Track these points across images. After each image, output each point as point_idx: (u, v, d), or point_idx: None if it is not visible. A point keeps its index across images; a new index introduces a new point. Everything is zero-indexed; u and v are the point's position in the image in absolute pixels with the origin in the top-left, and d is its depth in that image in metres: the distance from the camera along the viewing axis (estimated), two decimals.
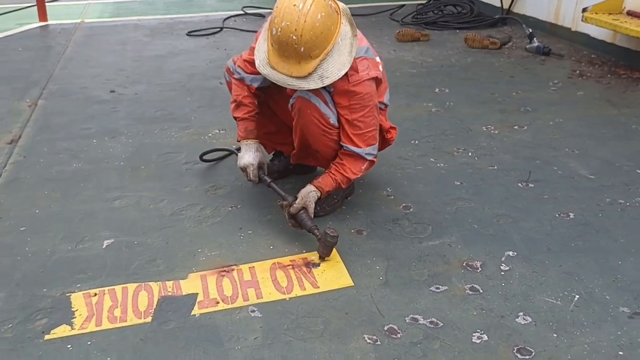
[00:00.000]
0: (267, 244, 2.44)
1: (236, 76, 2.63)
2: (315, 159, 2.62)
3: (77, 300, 2.11)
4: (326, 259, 2.32)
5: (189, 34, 6.04)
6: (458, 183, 2.93)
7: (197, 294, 2.15)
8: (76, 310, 2.06)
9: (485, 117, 3.80)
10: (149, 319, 2.02)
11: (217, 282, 2.21)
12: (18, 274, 2.25)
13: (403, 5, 6.95)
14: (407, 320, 2.01)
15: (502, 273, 2.25)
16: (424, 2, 6.77)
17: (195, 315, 2.05)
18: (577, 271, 2.26)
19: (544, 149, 3.32)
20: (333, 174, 2.45)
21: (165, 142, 3.47)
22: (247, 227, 2.56)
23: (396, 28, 6.01)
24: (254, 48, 2.44)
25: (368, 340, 1.92)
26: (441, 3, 6.50)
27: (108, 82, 4.55)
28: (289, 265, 2.30)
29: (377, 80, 2.45)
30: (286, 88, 2.45)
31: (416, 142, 3.41)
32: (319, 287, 2.18)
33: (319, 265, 2.29)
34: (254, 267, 2.30)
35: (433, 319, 2.01)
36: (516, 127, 3.64)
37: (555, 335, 1.94)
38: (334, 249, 2.36)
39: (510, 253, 2.37)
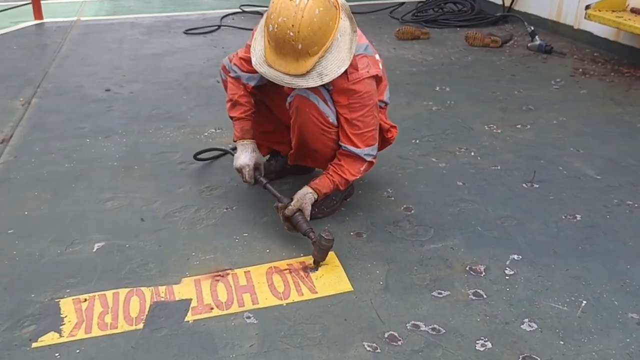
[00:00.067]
0: (263, 247, 2.37)
1: (232, 75, 2.55)
2: (313, 160, 2.54)
3: (67, 306, 2.03)
4: (325, 263, 2.24)
5: (186, 32, 5.96)
6: (460, 183, 2.86)
7: (190, 299, 2.07)
8: (65, 316, 1.99)
9: (487, 115, 3.73)
10: (141, 326, 1.95)
11: (211, 287, 2.13)
12: (5, 279, 2.17)
13: (403, 3, 6.88)
14: (408, 327, 1.93)
15: (507, 277, 2.17)
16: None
17: (188, 321, 1.97)
18: (585, 275, 2.18)
19: (547, 148, 3.25)
20: (331, 175, 2.37)
21: (160, 141, 3.39)
22: (242, 230, 2.48)
23: (396, 26, 5.93)
24: (250, 45, 2.37)
25: (368, 348, 1.85)
26: (441, 1, 6.42)
27: (104, 81, 4.47)
28: (285, 270, 2.23)
29: (377, 79, 2.38)
30: (283, 86, 2.38)
31: (417, 141, 3.34)
32: (316, 292, 2.10)
33: (316, 270, 2.22)
34: (249, 271, 2.22)
35: (435, 326, 1.94)
36: (519, 126, 3.57)
37: (562, 342, 1.87)
38: (333, 252, 2.29)
39: (515, 256, 2.29)
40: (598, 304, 2.03)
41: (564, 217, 2.57)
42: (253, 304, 2.05)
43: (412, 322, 1.96)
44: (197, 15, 6.74)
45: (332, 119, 2.31)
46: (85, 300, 2.06)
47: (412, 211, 2.62)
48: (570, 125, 3.58)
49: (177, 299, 2.07)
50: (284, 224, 2.33)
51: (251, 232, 2.47)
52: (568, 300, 2.05)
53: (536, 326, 1.93)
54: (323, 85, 2.25)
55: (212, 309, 2.03)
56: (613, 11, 4.59)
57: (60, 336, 1.90)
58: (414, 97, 4.05)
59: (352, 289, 2.12)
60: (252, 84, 2.52)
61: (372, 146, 2.37)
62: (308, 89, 2.25)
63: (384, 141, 2.57)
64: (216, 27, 6.09)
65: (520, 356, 1.81)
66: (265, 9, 2.23)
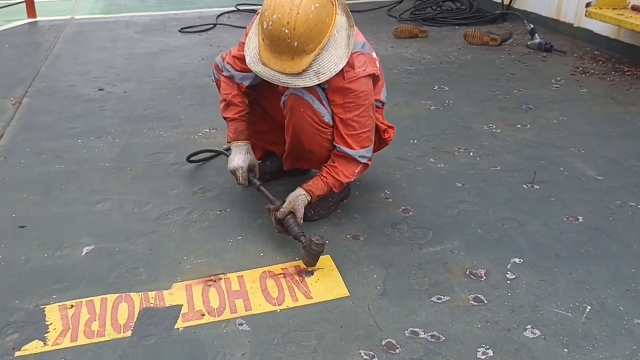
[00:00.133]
0: (257, 250, 2.30)
1: (225, 74, 2.48)
2: (308, 162, 2.47)
3: (52, 312, 1.96)
4: (320, 267, 2.17)
5: (182, 30, 5.89)
6: (459, 184, 2.79)
7: (181, 305, 2.00)
8: (50, 323, 1.91)
9: (486, 115, 3.66)
10: (129, 333, 1.87)
11: (203, 293, 2.06)
12: None
13: (401, 1, 6.80)
14: (406, 334, 1.87)
15: (508, 282, 2.11)
16: None
17: (178, 328, 1.90)
18: (588, 280, 2.12)
19: (548, 149, 3.18)
20: (324, 177, 2.30)
21: (153, 141, 3.32)
22: (236, 233, 2.41)
23: (394, 24, 5.86)
24: (243, 43, 2.30)
25: (364, 356, 1.78)
26: None
27: (97, 80, 4.40)
28: (280, 274, 2.16)
29: (374, 77, 2.31)
30: (278, 85, 2.31)
31: (415, 141, 3.27)
32: (312, 298, 2.04)
33: (312, 274, 2.15)
34: (242, 276, 2.15)
35: (434, 333, 1.87)
36: (518, 125, 3.50)
37: (566, 350, 1.80)
38: (329, 256, 2.23)
39: (517, 260, 2.22)
40: (603, 310, 1.97)
41: (565, 219, 2.50)
42: (246, 310, 1.98)
43: (411, 328, 1.89)
44: (193, 14, 6.67)
45: (327, 118, 2.25)
46: (72, 306, 1.99)
47: (410, 213, 2.55)
48: (571, 124, 3.52)
49: (167, 305, 2.00)
50: (276, 226, 2.26)
51: (245, 235, 2.40)
52: (572, 306, 1.99)
53: (539, 333, 1.87)
54: (318, 84, 2.18)
55: (203, 315, 1.96)
56: (614, 9, 4.53)
57: (45, 344, 1.82)
58: (412, 97, 3.99)
59: (349, 294, 2.05)
60: (246, 83, 2.45)
61: (367, 148, 2.30)
62: (303, 87, 2.18)
63: (380, 142, 2.50)
64: (212, 26, 6.02)
65: None
66: (260, 6, 2.15)
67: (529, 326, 1.89)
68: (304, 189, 2.27)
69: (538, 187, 2.77)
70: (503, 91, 4.09)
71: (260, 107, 2.61)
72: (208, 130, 3.44)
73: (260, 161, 2.78)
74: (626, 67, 4.54)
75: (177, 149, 3.19)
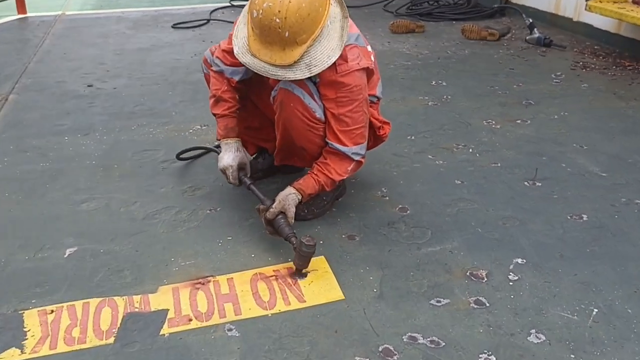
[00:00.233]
0: (248, 251, 2.20)
1: (215, 68, 2.38)
2: (301, 159, 2.37)
3: (31, 318, 1.86)
4: (314, 268, 2.07)
5: (174, 26, 5.79)
6: (459, 182, 2.70)
7: (167, 310, 1.90)
8: (29, 330, 1.81)
9: (485, 110, 3.57)
10: (111, 340, 1.77)
11: (190, 296, 1.96)
12: None
13: None
14: (404, 340, 1.77)
15: (511, 283, 2.01)
16: None
17: (164, 335, 1.80)
18: (594, 281, 2.03)
19: (549, 145, 3.09)
20: (316, 174, 2.20)
21: (142, 139, 3.21)
22: (226, 233, 2.31)
23: (390, 19, 5.77)
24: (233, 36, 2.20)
25: None
26: None
27: (86, 76, 4.29)
28: (272, 276, 2.06)
29: (368, 71, 2.21)
30: (269, 79, 2.21)
31: (412, 137, 3.17)
32: (305, 302, 1.94)
33: (305, 276, 2.05)
34: (232, 278, 2.05)
35: (434, 338, 1.78)
36: (518, 121, 3.41)
37: (572, 356, 1.71)
38: (323, 257, 2.14)
39: (519, 260, 2.13)
40: (610, 312, 1.88)
41: (569, 217, 2.41)
42: (235, 315, 1.88)
43: (409, 333, 1.79)
44: (187, 10, 6.56)
45: (318, 114, 2.15)
46: (52, 311, 1.89)
47: (408, 212, 2.45)
48: (572, 120, 3.43)
49: (152, 309, 1.90)
50: (266, 227, 2.16)
51: (236, 235, 2.30)
52: (578, 309, 1.89)
53: (544, 338, 1.77)
54: (309, 78, 2.08)
55: (190, 320, 1.86)
56: (615, 2, 4.44)
57: (22, 352, 1.72)
58: (409, 92, 3.89)
59: (344, 297, 1.95)
60: (236, 78, 2.35)
61: (361, 144, 2.20)
62: (293, 81, 2.08)
63: (375, 139, 2.41)
64: (205, 21, 5.92)
65: None
66: None
67: (533, 330, 1.80)
68: (295, 188, 2.17)
69: (540, 184, 2.68)
70: (502, 86, 3.99)
71: (252, 102, 2.51)
72: (199, 127, 3.34)
73: (252, 157, 2.68)
74: (627, 61, 4.45)
75: (167, 146, 3.09)
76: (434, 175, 2.77)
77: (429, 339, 1.77)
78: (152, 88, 4.04)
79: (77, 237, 2.28)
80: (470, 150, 3.02)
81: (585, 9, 4.58)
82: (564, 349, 1.74)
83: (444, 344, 1.75)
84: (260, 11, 1.95)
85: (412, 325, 1.83)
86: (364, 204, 2.51)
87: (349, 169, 2.22)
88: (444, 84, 4.06)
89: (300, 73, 2.02)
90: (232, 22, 6.10)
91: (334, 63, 2.05)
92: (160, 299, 1.95)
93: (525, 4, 5.85)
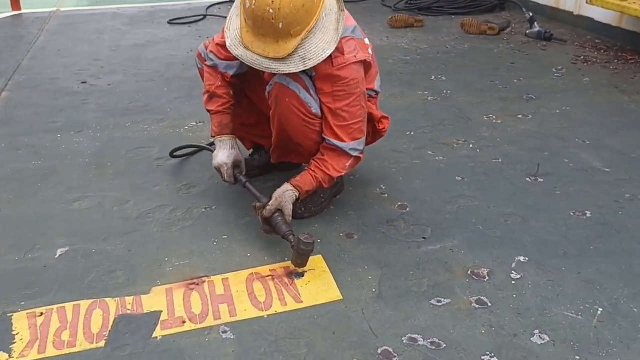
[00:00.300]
0: (244, 251, 2.15)
1: (208, 63, 2.32)
2: (298, 155, 2.31)
3: (20, 321, 1.80)
4: (311, 268, 2.02)
5: (171, 22, 5.72)
6: (459, 178, 2.64)
7: (160, 311, 1.85)
8: (17, 333, 1.76)
9: (486, 105, 3.51)
10: (102, 344, 1.72)
11: (184, 297, 1.91)
12: None
13: None
14: (404, 341, 1.72)
15: (513, 282, 1.96)
16: None
17: (157, 337, 1.75)
18: (599, 279, 1.97)
19: (551, 140, 3.03)
20: (313, 171, 2.15)
21: (136, 136, 3.16)
22: (222, 232, 2.26)
23: (388, 14, 5.70)
24: None
25: None
26: None
27: (80, 73, 4.23)
28: (268, 276, 2.00)
29: (366, 64, 2.15)
30: (264, 73, 2.16)
31: (412, 133, 3.12)
32: (302, 302, 1.88)
33: (302, 276, 2.00)
34: (227, 278, 2.00)
35: (434, 339, 1.72)
36: (520, 116, 3.35)
37: (577, 357, 1.66)
38: (321, 256, 2.09)
39: (522, 258, 2.08)
40: (615, 312, 1.82)
41: (572, 214, 2.36)
42: (230, 316, 1.83)
43: (409, 335, 1.74)
44: (183, 5, 6.49)
45: (315, 109, 2.09)
46: (42, 314, 1.83)
47: (408, 209, 2.40)
48: (574, 114, 3.37)
49: (145, 311, 1.85)
50: (263, 226, 2.11)
51: (231, 234, 2.25)
52: (582, 308, 1.84)
53: (548, 338, 1.72)
54: (305, 71, 2.02)
55: (184, 322, 1.80)
56: None
57: (10, 357, 1.67)
58: (408, 87, 3.83)
59: (342, 298, 1.90)
60: (230, 72, 2.29)
61: (359, 140, 2.14)
62: (288, 75, 2.02)
63: (375, 133, 2.35)
64: (202, 17, 5.85)
65: None
66: None
67: (536, 331, 1.75)
68: (292, 185, 2.12)
69: (542, 180, 2.62)
70: (503, 81, 3.93)
71: (247, 98, 2.45)
72: (195, 124, 3.28)
73: (248, 154, 2.63)
74: (629, 55, 4.39)
75: (162, 143, 3.03)
76: (434, 171, 2.71)
77: (429, 341, 1.72)
78: (147, 84, 3.98)
79: (68, 237, 2.23)
80: (471, 145, 2.97)
81: (587, 2, 4.50)
82: (569, 350, 1.68)
83: (445, 345, 1.70)
84: (254, 1, 1.89)
85: (412, 326, 1.77)
86: (363, 201, 2.45)
87: (347, 165, 2.16)
88: (444, 78, 4.00)
89: (295, 66, 1.96)
90: None
91: (330, 56, 2.00)
92: (153, 301, 1.89)
93: None
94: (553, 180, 2.61)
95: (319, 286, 1.95)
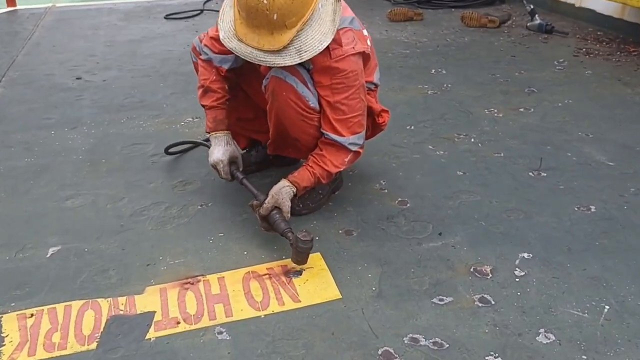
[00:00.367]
0: (240, 248, 2.09)
1: (203, 57, 2.26)
2: (295, 150, 2.25)
3: (9, 322, 1.75)
4: (310, 266, 1.97)
5: (167, 17, 5.65)
6: (460, 173, 2.59)
7: (154, 312, 1.79)
8: (6, 335, 1.71)
9: (487, 99, 3.45)
10: (94, 346, 1.67)
11: (179, 297, 1.85)
12: None
13: None
14: (405, 341, 1.67)
15: (517, 280, 1.91)
16: None
17: (150, 339, 1.69)
18: (605, 276, 1.92)
19: (554, 133, 2.98)
20: (311, 166, 2.09)
21: (132, 132, 3.10)
22: (218, 229, 2.21)
23: (387, 7, 5.63)
24: None
25: None
26: None
27: (75, 69, 4.17)
28: (265, 275, 1.95)
29: (365, 56, 2.09)
30: (260, 66, 2.10)
31: (412, 127, 3.06)
32: (300, 301, 1.83)
33: (300, 275, 1.94)
34: (223, 277, 1.94)
35: (437, 339, 1.67)
36: (522, 109, 3.29)
37: (584, 357, 1.61)
38: (319, 254, 2.04)
39: (525, 255, 2.02)
40: (623, 309, 1.77)
41: (576, 209, 2.30)
42: (226, 317, 1.77)
43: (410, 335, 1.69)
44: (179, 0, 6.40)
45: (313, 103, 2.03)
46: (32, 315, 1.78)
47: (408, 205, 2.34)
48: (577, 108, 3.31)
49: (138, 311, 1.80)
50: (261, 224, 2.05)
51: (228, 231, 2.20)
52: (588, 306, 1.79)
53: (554, 338, 1.67)
54: (302, 64, 1.97)
55: (178, 323, 1.75)
56: None
57: None
58: (408, 81, 3.77)
59: (341, 297, 1.85)
60: (225, 66, 2.23)
61: (359, 134, 2.09)
62: (285, 69, 1.97)
63: (374, 127, 2.30)
64: (198, 12, 5.78)
65: None
66: None
67: (542, 330, 1.70)
68: (289, 181, 2.06)
69: (545, 174, 2.57)
70: (504, 74, 3.88)
71: (243, 92, 2.39)
72: (191, 119, 3.23)
73: (244, 151, 2.57)
74: (632, 47, 4.33)
75: (157, 139, 2.97)
76: (434, 166, 2.66)
77: (431, 341, 1.67)
78: (142, 80, 3.91)
79: (61, 236, 2.18)
80: (472, 140, 2.91)
81: None
82: (575, 349, 1.63)
83: (447, 345, 1.65)
84: None
85: (413, 326, 1.72)
86: (362, 197, 2.40)
87: (346, 160, 2.11)
88: (444, 72, 3.94)
89: (290, 59, 1.90)
90: None
91: (328, 48, 1.94)
92: (146, 301, 1.84)
93: None
94: (556, 175, 2.56)
95: (317, 285, 1.90)
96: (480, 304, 1.80)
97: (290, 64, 1.89)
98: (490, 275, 1.93)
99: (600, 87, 3.64)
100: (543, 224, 2.21)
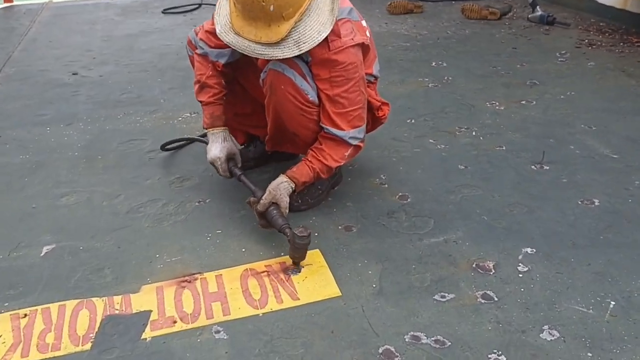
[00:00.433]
0: (238, 245, 2.06)
1: (199, 51, 2.22)
2: (294, 145, 2.21)
3: (3, 323, 1.72)
4: (309, 262, 1.93)
5: (165, 11, 5.62)
6: (462, 167, 2.54)
7: (150, 311, 1.76)
8: (0, 335, 1.67)
9: (489, 91, 3.41)
10: (88, 346, 1.63)
11: (175, 296, 1.82)
12: None
13: None
14: (406, 340, 1.63)
15: (520, 275, 1.87)
16: None
17: (146, 339, 1.66)
18: (610, 271, 1.88)
19: (557, 126, 2.93)
20: (310, 161, 2.05)
21: (128, 128, 3.06)
22: (216, 226, 2.17)
23: (387, 0, 5.57)
24: None
25: None
26: None
27: (72, 64, 4.13)
28: (263, 272, 1.91)
29: (364, 47, 2.05)
30: (257, 60, 2.06)
31: (412, 121, 3.01)
32: (299, 299, 1.79)
33: (299, 272, 1.91)
34: (221, 275, 1.91)
35: (438, 337, 1.63)
36: (523, 101, 3.25)
37: (589, 354, 1.57)
38: (319, 250, 2.00)
39: (529, 250, 1.98)
40: (629, 305, 1.73)
41: (580, 203, 2.26)
42: (224, 315, 1.74)
43: (411, 333, 1.65)
44: None
45: (312, 96, 1.99)
46: (26, 315, 1.74)
47: (409, 200, 2.30)
48: (580, 100, 3.27)
49: (134, 311, 1.76)
50: (259, 221, 2.01)
51: (225, 228, 2.16)
52: (593, 302, 1.75)
53: (558, 334, 1.63)
54: (300, 57, 1.92)
55: (175, 322, 1.71)
56: None
57: None
58: (408, 74, 3.73)
59: (340, 294, 1.81)
60: (222, 61, 2.18)
61: (359, 128, 2.04)
62: (283, 62, 1.92)
63: (374, 120, 2.25)
64: (197, 6, 5.74)
65: None
66: None
67: (546, 327, 1.66)
68: (287, 176, 2.02)
69: (548, 168, 2.52)
70: (505, 66, 3.83)
71: (240, 86, 2.35)
72: (189, 115, 3.19)
73: (242, 146, 2.53)
74: (635, 38, 4.28)
75: (154, 135, 2.93)
76: (435, 160, 2.61)
77: (433, 339, 1.63)
78: (140, 75, 3.88)
79: (55, 234, 2.14)
80: (474, 133, 2.87)
81: None
82: (580, 346, 1.60)
83: (449, 343, 1.61)
84: None
85: (414, 324, 1.68)
86: (362, 192, 2.36)
87: (346, 154, 2.06)
88: (445, 65, 3.89)
89: (289, 51, 1.86)
90: None
91: (326, 39, 1.89)
92: (142, 300, 1.80)
93: None
94: (559, 168, 2.51)
95: (316, 282, 1.86)
96: (482, 301, 1.76)
97: (289, 56, 1.85)
98: (493, 271, 1.89)
99: (604, 78, 3.59)
100: (546, 218, 2.16)
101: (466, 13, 5.07)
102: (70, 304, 1.78)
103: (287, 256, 1.94)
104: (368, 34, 2.08)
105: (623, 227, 2.11)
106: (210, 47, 2.17)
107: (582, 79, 3.58)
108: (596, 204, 2.25)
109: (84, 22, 5.30)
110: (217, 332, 1.68)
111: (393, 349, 1.60)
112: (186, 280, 1.88)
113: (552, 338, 1.62)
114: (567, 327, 1.66)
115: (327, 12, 1.86)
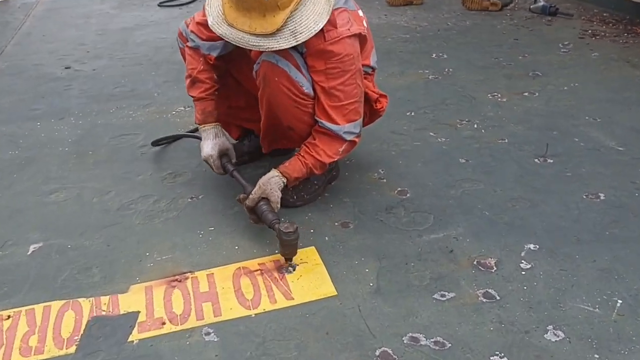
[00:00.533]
0: (231, 243, 1.99)
1: (190, 44, 2.14)
2: (289, 140, 2.14)
3: None
4: (304, 260, 1.86)
5: (161, 4, 5.56)
6: (463, 161, 2.47)
7: (138, 312, 1.69)
8: None
9: (490, 83, 3.33)
10: (73, 349, 1.57)
11: (165, 296, 1.75)
12: None
13: None
14: (405, 341, 1.56)
15: (523, 273, 1.80)
16: None
17: (133, 341, 1.60)
18: (616, 267, 1.81)
19: (560, 118, 2.86)
20: (303, 156, 1.98)
21: (121, 122, 2.99)
22: (208, 223, 2.10)
23: None
24: None
25: None
26: None
27: (65, 58, 4.07)
28: (256, 271, 1.85)
29: (361, 38, 1.97)
30: (250, 51, 1.98)
31: (412, 113, 2.94)
32: (293, 299, 1.73)
33: (294, 270, 1.84)
34: (213, 274, 1.84)
35: (438, 338, 1.57)
36: (526, 93, 3.17)
37: (596, 355, 1.50)
38: (314, 247, 1.93)
39: (532, 246, 1.91)
40: (637, 304, 1.66)
41: (585, 197, 2.19)
42: (215, 316, 1.67)
43: (410, 334, 1.58)
44: None
45: (307, 88, 1.91)
46: (9, 317, 1.68)
47: (408, 195, 2.23)
48: (584, 91, 3.19)
49: (121, 312, 1.70)
50: (249, 216, 1.95)
51: (218, 225, 2.09)
52: (599, 300, 1.68)
53: (563, 335, 1.56)
54: (295, 48, 1.85)
55: (163, 324, 1.65)
56: None
57: None
58: (408, 66, 3.65)
59: (336, 293, 1.74)
60: (214, 54, 2.11)
61: (355, 122, 1.97)
62: (277, 53, 1.85)
63: (372, 113, 2.18)
64: None
65: None
66: None
67: (550, 327, 1.59)
68: (279, 171, 1.95)
69: (551, 161, 2.45)
70: (507, 58, 3.74)
71: (234, 79, 2.28)
72: (182, 109, 3.11)
73: (237, 141, 2.46)
74: (639, 28, 4.19)
75: (147, 129, 2.87)
76: (436, 154, 2.54)
77: (432, 340, 1.56)
78: (134, 69, 3.81)
79: (43, 232, 2.08)
80: (475, 125, 2.79)
81: None
82: (587, 347, 1.53)
83: (449, 345, 1.55)
84: None
85: (413, 324, 1.62)
86: (359, 187, 2.29)
87: (341, 150, 1.99)
88: (445, 56, 3.81)
89: (285, 42, 1.78)
90: None
91: (322, 30, 1.82)
92: (130, 300, 1.74)
93: None
94: (563, 161, 2.44)
95: (311, 281, 1.79)
96: (484, 300, 1.69)
97: (285, 47, 1.78)
98: (495, 269, 1.82)
99: (608, 69, 3.51)
100: (550, 213, 2.09)
101: (467, 4, 4.99)
102: (56, 305, 1.72)
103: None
104: (365, 24, 2.00)
105: (629, 221, 2.03)
106: (202, 39, 2.09)
107: (585, 70, 3.50)
108: (601, 197, 2.18)
109: (78, 16, 5.23)
110: (208, 333, 1.61)
111: (391, 351, 1.53)
112: (176, 280, 1.82)
113: (557, 339, 1.56)
114: (573, 327, 1.59)
115: (323, 2, 1.79)
